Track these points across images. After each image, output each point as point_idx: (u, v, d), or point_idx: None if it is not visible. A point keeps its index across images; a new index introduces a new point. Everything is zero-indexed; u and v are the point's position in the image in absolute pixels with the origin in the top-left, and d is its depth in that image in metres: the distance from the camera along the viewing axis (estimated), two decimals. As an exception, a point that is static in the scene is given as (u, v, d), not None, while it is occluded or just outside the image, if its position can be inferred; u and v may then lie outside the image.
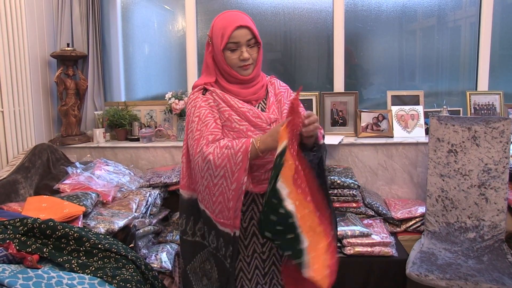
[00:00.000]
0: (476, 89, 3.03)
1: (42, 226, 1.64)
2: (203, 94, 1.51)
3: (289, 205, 1.27)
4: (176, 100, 2.89)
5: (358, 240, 2.17)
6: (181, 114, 2.92)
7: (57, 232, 1.64)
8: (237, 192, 1.38)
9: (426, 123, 2.86)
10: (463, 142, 2.40)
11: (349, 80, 3.09)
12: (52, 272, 1.45)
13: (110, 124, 3.01)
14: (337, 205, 2.47)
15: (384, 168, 2.79)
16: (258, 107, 1.54)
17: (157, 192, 2.45)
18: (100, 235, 1.77)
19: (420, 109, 2.91)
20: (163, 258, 2.09)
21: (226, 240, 1.44)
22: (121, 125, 2.99)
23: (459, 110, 2.96)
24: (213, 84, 1.52)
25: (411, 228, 2.46)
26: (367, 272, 2.16)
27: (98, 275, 1.53)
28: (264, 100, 1.56)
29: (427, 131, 2.79)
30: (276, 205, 1.27)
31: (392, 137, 2.85)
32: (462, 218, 2.33)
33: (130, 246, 1.93)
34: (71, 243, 1.64)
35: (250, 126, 1.47)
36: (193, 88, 1.57)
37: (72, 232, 1.65)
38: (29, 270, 1.43)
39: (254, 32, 1.45)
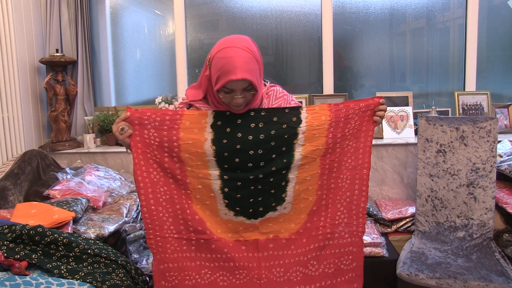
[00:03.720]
0: (464, 90, 3.06)
1: (31, 232, 1.63)
2: (187, 109, 1.53)
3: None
4: (166, 105, 2.89)
5: (349, 241, 2.17)
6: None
7: (46, 238, 1.63)
8: None
9: (415, 124, 2.88)
10: (452, 142, 2.42)
11: (339, 82, 3.11)
12: (40, 279, 1.44)
13: (100, 129, 3.00)
14: (328, 207, 2.48)
15: (374, 169, 2.80)
16: None
17: (148, 196, 2.44)
18: (90, 240, 1.77)
19: (409, 110, 2.94)
20: (154, 262, 2.09)
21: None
22: (111, 131, 2.97)
23: (448, 111, 2.99)
24: (202, 99, 1.51)
25: (401, 228, 2.47)
26: (358, 273, 2.17)
27: (88, 280, 1.52)
28: None
29: (416, 132, 2.81)
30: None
31: (382, 138, 2.87)
32: (452, 218, 2.35)
33: (120, 251, 1.93)
34: (60, 249, 1.64)
35: None
36: (186, 94, 1.56)
37: (61, 237, 1.65)
38: (17, 277, 1.42)
39: (252, 82, 1.34)
